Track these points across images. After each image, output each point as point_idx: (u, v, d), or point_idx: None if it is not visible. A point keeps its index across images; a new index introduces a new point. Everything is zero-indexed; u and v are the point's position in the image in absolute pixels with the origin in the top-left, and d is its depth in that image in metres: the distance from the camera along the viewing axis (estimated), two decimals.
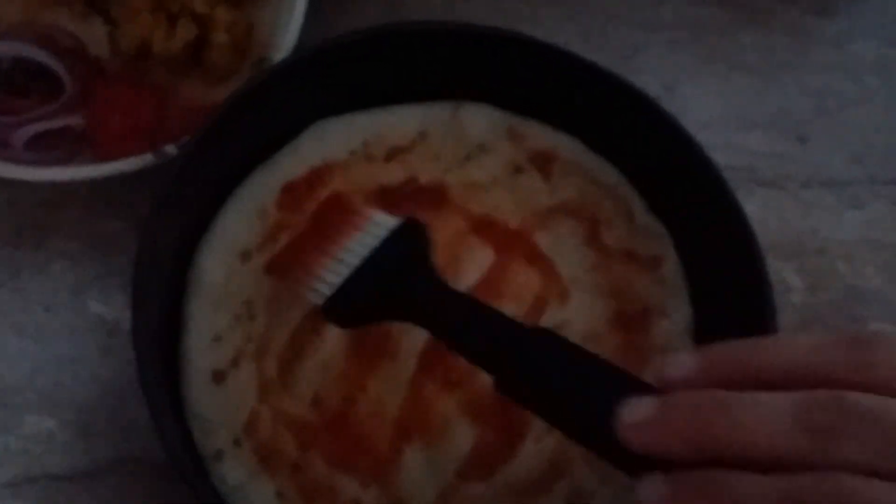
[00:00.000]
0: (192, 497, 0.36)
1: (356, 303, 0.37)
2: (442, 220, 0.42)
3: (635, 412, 0.28)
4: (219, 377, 0.40)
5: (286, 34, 0.47)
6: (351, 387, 0.40)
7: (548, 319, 0.42)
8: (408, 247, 0.37)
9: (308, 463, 0.39)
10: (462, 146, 0.45)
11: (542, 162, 0.45)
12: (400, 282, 0.36)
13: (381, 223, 0.38)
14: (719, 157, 0.42)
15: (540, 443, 0.40)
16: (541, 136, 0.46)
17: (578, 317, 0.42)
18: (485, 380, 0.40)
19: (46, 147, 0.46)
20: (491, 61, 0.45)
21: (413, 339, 0.41)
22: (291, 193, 0.43)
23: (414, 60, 0.44)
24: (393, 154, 0.45)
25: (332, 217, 0.40)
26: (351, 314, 0.38)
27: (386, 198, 0.43)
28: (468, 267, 0.42)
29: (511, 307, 0.41)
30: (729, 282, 0.42)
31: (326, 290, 0.37)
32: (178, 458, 0.36)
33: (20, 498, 0.43)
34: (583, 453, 0.40)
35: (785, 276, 0.50)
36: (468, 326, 0.34)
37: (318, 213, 0.41)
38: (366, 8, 0.54)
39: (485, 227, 0.43)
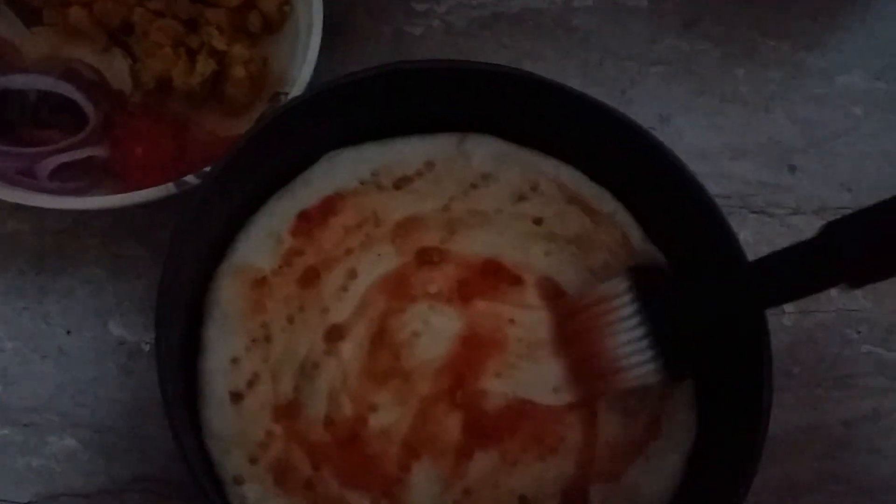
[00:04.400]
0: None
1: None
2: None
3: None
4: (236, 398, 0.42)
5: (301, 69, 0.49)
6: (362, 406, 0.42)
7: None
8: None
9: (321, 481, 0.41)
10: (467, 175, 0.47)
11: (544, 191, 0.47)
12: None
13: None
14: (712, 186, 0.44)
15: (544, 462, 0.42)
16: (543, 166, 0.48)
17: None
18: (489, 402, 0.42)
19: (70, 177, 0.47)
20: (494, 96, 0.46)
21: (424, 360, 0.42)
22: (305, 221, 0.45)
23: (421, 96, 0.46)
24: (401, 183, 0.47)
25: None
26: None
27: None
28: None
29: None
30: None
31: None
32: (199, 477, 0.37)
33: None
34: (599, 472, 0.42)
35: None
36: None
37: None
38: (374, 44, 0.56)
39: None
